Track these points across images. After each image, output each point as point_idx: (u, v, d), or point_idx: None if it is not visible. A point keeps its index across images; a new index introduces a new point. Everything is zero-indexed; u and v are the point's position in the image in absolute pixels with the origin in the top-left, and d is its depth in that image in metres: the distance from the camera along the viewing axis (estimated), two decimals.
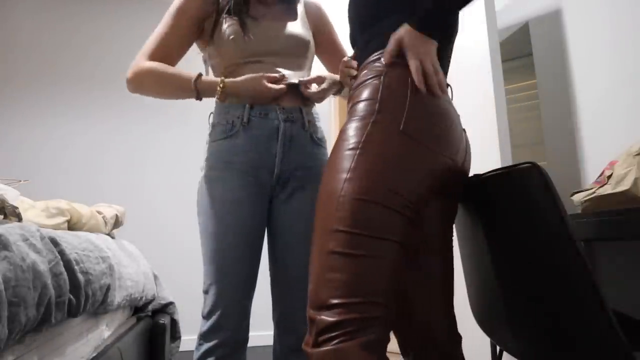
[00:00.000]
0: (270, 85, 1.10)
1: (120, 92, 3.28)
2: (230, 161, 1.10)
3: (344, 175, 0.74)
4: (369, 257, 0.70)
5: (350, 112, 0.82)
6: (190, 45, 1.22)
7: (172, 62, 1.18)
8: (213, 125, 1.16)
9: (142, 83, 1.14)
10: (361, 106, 0.80)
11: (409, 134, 0.76)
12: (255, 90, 1.11)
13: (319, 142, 1.19)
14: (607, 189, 1.26)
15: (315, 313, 0.69)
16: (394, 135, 0.76)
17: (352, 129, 0.78)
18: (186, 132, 3.28)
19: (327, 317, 0.67)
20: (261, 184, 1.12)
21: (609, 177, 1.29)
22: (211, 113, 1.19)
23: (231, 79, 1.12)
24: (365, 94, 0.82)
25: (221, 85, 1.11)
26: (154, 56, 1.15)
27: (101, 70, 3.29)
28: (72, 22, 3.31)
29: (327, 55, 1.33)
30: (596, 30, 1.75)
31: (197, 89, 1.12)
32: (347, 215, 0.71)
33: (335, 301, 0.67)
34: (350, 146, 0.76)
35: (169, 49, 1.16)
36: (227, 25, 1.15)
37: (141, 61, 1.14)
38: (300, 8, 1.29)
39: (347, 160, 0.75)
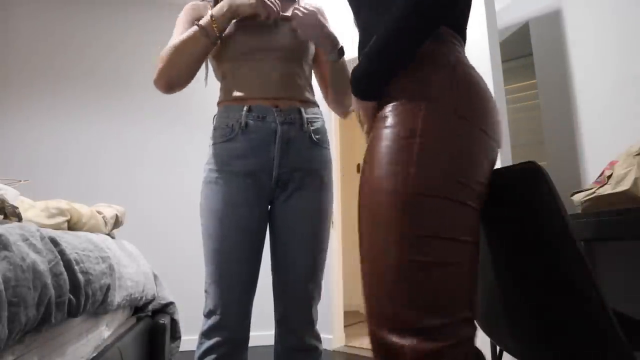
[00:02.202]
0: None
1: (120, 92, 3.28)
2: (229, 164, 1.11)
3: (406, 170, 0.61)
4: (452, 264, 0.60)
5: (392, 94, 0.70)
6: None
7: None
8: (214, 129, 1.17)
9: (167, 68, 1.10)
10: (406, 86, 0.68)
11: (465, 116, 0.66)
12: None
13: (319, 143, 1.18)
14: (607, 189, 1.26)
15: (400, 338, 0.57)
16: (452, 118, 0.65)
17: (401, 113, 0.66)
18: (186, 133, 3.28)
19: (422, 344, 0.55)
20: (260, 187, 1.13)
21: (609, 177, 1.29)
22: (214, 115, 1.20)
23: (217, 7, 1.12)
24: (407, 73, 0.70)
25: (211, 16, 1.10)
26: None
27: (101, 70, 3.29)
28: (72, 23, 3.31)
29: (317, 62, 1.30)
30: (596, 30, 1.74)
31: (204, 27, 1.09)
32: (418, 216, 0.60)
33: (426, 323, 0.56)
34: (404, 133, 0.64)
35: None
36: None
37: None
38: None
39: (403, 151, 0.63)
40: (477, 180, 0.65)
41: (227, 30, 1.15)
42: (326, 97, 1.31)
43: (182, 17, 1.21)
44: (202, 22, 1.10)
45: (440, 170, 0.62)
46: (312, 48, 1.26)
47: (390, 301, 0.59)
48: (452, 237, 0.61)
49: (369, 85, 0.73)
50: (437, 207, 0.61)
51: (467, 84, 0.69)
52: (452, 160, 0.63)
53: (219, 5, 1.13)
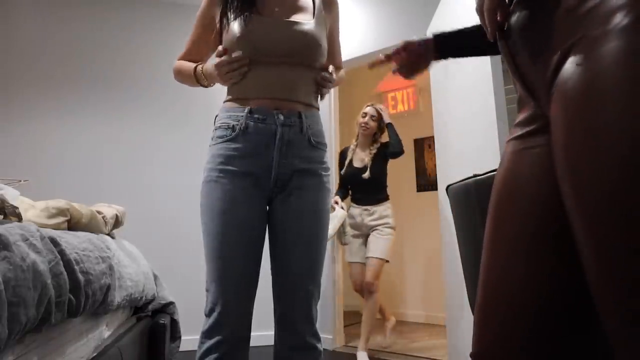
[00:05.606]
0: (221, 63, 1.14)
1: (120, 92, 3.28)
2: (229, 164, 1.12)
3: None
4: None
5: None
6: (218, 44, 1.22)
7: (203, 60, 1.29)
8: (215, 129, 1.18)
9: (177, 80, 1.31)
10: None
11: None
12: (215, 71, 1.17)
13: (317, 146, 1.19)
14: None
15: None
16: None
17: None
18: (186, 133, 3.28)
19: None
20: (260, 186, 1.14)
21: None
22: (217, 115, 1.21)
23: (202, 66, 1.23)
24: None
25: (200, 72, 1.22)
26: (185, 57, 1.29)
27: (102, 70, 3.29)
28: (73, 24, 3.31)
29: None
30: None
31: (196, 76, 1.23)
32: None
33: None
34: None
35: (198, 51, 1.29)
36: (231, 23, 1.16)
37: (176, 62, 1.30)
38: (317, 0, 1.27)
39: None
40: None
41: (238, 33, 1.14)
42: None
43: (200, 14, 1.27)
44: (198, 70, 1.22)
45: None
46: (325, 48, 1.23)
47: None
48: None
49: None
50: None
51: None
52: None
53: (210, 66, 1.18)
